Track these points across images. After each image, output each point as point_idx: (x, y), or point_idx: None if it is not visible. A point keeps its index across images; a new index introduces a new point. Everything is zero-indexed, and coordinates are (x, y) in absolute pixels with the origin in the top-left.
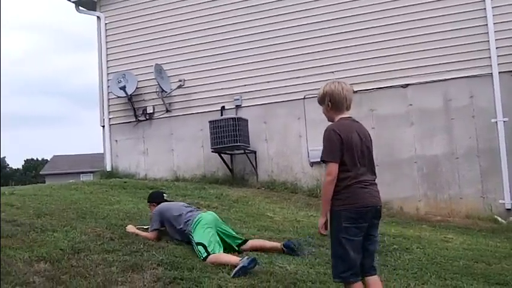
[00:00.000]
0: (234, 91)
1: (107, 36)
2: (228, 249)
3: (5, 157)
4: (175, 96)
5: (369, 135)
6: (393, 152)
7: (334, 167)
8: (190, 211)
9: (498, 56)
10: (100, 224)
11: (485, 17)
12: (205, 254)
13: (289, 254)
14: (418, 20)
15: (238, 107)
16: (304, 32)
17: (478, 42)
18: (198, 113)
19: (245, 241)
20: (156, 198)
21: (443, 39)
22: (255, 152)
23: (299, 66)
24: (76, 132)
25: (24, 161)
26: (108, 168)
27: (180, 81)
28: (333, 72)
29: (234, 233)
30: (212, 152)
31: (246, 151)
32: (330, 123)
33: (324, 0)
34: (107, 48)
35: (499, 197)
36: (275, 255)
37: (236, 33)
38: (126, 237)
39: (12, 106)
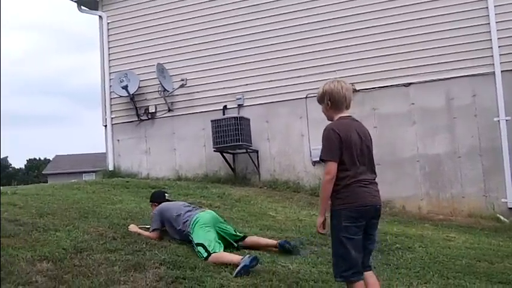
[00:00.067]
0: (236, 90)
1: (109, 35)
2: (227, 246)
3: (7, 157)
4: (177, 95)
5: (369, 134)
6: (395, 151)
7: (333, 166)
8: (189, 211)
9: (500, 54)
10: (102, 223)
11: (488, 15)
12: (206, 254)
13: (283, 252)
14: (420, 19)
15: (240, 106)
16: (306, 31)
17: (481, 41)
18: (200, 112)
19: (243, 237)
20: (157, 198)
21: (445, 38)
22: (257, 151)
23: (301, 65)
24: (78, 132)
25: (27, 160)
26: (111, 168)
27: (182, 80)
28: (335, 71)
29: (233, 231)
30: (214, 151)
31: (248, 150)
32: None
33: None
34: (109, 48)
35: (501, 196)
36: (277, 255)
37: (238, 33)
38: (128, 237)
39: (14, 106)
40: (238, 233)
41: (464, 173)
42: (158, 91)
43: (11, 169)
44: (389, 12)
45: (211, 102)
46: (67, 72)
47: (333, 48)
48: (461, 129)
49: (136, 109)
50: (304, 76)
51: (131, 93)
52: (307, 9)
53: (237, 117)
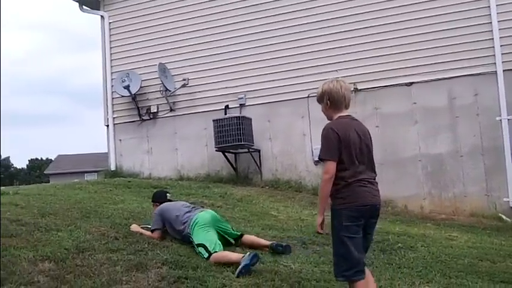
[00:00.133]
0: (238, 90)
1: (110, 35)
2: (226, 245)
3: (9, 157)
4: (179, 95)
5: (369, 133)
6: (397, 150)
7: (331, 165)
8: (188, 211)
9: (502, 53)
10: (104, 223)
11: (490, 14)
12: (207, 255)
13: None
14: (421, 18)
15: (242, 105)
16: (308, 30)
17: (483, 40)
18: (202, 112)
19: (240, 236)
20: (159, 198)
21: (447, 37)
22: (259, 151)
23: (303, 64)
24: (80, 131)
25: (29, 160)
26: (112, 168)
27: (184, 80)
28: (336, 70)
29: (231, 229)
30: (216, 150)
31: (250, 150)
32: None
33: None
34: (111, 48)
35: (503, 195)
36: (278, 254)
37: (240, 32)
38: (130, 237)
39: (15, 105)
40: (236, 232)
41: (466, 172)
42: (160, 91)
43: (13, 169)
44: (391, 11)
45: (213, 102)
46: (69, 72)
47: (335, 48)
48: (463, 129)
49: (138, 109)
50: (305, 75)
51: (133, 93)
52: (310, 8)
53: (238, 117)
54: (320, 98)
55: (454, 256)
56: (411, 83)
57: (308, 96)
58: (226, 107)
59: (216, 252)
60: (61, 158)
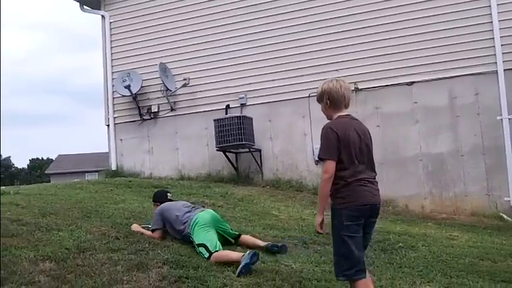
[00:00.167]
0: (239, 89)
1: (111, 35)
2: (225, 244)
3: (9, 156)
4: (180, 95)
5: (369, 132)
6: (398, 149)
7: (331, 165)
8: (188, 211)
9: (503, 53)
10: (105, 223)
11: (490, 14)
12: (208, 254)
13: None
14: (423, 17)
15: (243, 105)
16: (309, 30)
17: (483, 39)
18: (202, 111)
19: (239, 236)
20: (159, 198)
21: (448, 37)
22: (260, 151)
23: (303, 64)
24: (81, 131)
25: (30, 160)
26: (113, 167)
27: (184, 79)
28: (337, 70)
29: (230, 229)
30: (217, 150)
31: (251, 149)
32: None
33: None
34: (112, 47)
35: (504, 195)
36: (279, 255)
37: (240, 32)
38: (131, 236)
39: (15, 105)
40: (234, 232)
41: (467, 171)
42: (161, 90)
43: (13, 169)
44: (392, 11)
45: (214, 102)
46: (70, 71)
47: (336, 47)
48: (464, 128)
49: (139, 108)
50: (306, 75)
51: (134, 92)
52: (310, 8)
53: (239, 117)
54: (320, 98)
55: (455, 255)
56: (412, 83)
57: (309, 96)
58: (227, 106)
59: (216, 251)
60: (62, 157)
